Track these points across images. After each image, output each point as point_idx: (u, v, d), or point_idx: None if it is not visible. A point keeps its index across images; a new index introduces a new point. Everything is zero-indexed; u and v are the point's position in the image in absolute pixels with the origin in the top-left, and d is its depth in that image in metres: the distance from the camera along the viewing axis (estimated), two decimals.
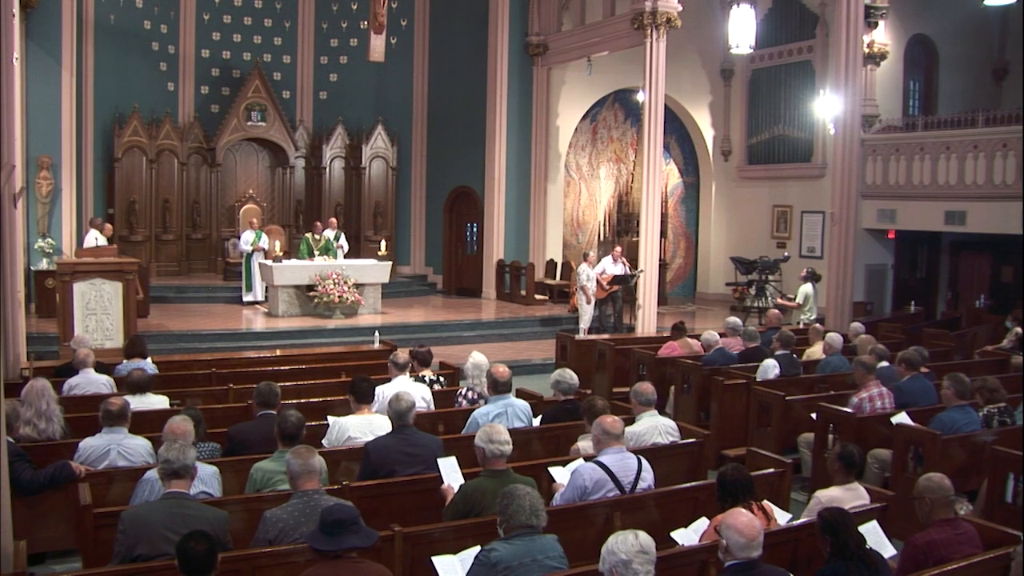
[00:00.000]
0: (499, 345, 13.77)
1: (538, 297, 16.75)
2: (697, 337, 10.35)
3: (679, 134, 19.40)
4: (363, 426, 6.05)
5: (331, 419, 6.23)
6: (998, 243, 15.25)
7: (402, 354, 7.44)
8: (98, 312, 10.92)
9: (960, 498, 5.94)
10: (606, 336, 12.64)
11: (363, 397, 6.15)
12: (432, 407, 7.32)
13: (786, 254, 16.92)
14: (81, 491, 5.01)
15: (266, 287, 15.07)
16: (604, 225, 19.15)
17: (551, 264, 17.68)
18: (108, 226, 14.79)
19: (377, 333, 11.55)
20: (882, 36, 16.08)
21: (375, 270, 15.11)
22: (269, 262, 14.58)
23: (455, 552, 4.36)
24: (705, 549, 4.41)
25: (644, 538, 3.54)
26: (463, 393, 7.44)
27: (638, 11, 14.12)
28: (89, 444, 5.60)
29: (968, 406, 6.88)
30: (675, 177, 19.60)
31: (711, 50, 18.66)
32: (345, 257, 15.72)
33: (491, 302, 17.14)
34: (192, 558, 3.56)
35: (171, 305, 15.31)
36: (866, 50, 15.26)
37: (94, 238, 13.80)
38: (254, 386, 6.26)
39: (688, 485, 5.60)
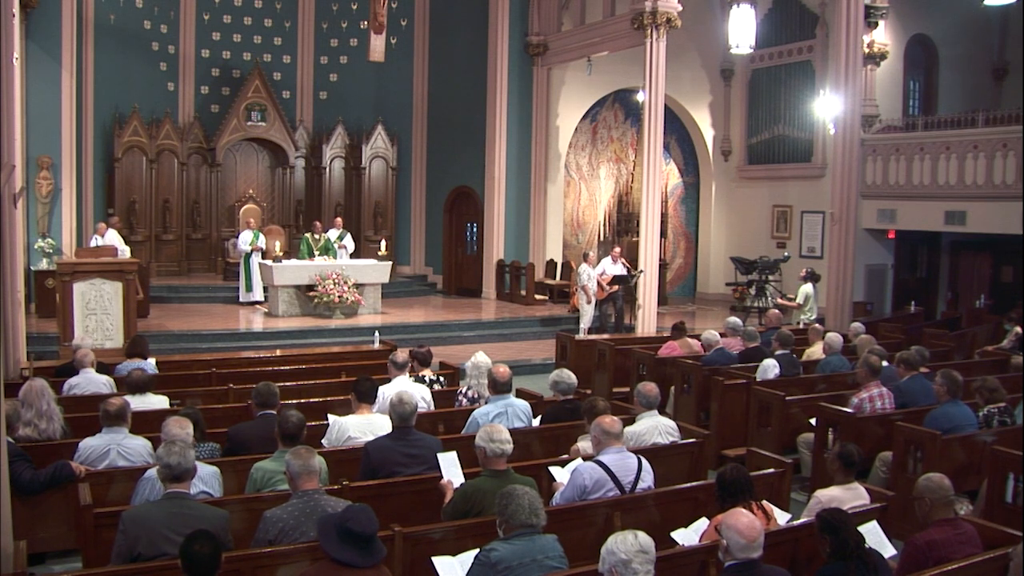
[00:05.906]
0: (499, 345, 13.76)
1: (538, 297, 16.75)
2: (697, 337, 10.34)
3: (679, 134, 19.39)
4: (363, 426, 6.04)
5: (331, 419, 6.22)
6: (998, 243, 15.25)
7: (401, 354, 7.43)
8: (98, 312, 10.93)
9: (960, 498, 5.95)
10: (606, 336, 12.63)
11: (364, 397, 6.14)
12: (432, 407, 7.32)
13: (786, 254, 16.91)
14: (81, 491, 5.01)
15: (265, 287, 15.07)
16: (604, 225, 19.15)
17: (551, 264, 17.68)
18: (115, 219, 14.90)
19: (377, 333, 11.55)
20: (882, 36, 16.06)
21: (375, 270, 15.10)
22: (269, 262, 14.57)
23: (455, 552, 4.35)
24: (705, 549, 4.41)
25: (644, 538, 3.55)
26: (463, 392, 7.43)
27: (638, 11, 14.11)
28: (89, 444, 5.60)
29: (960, 400, 6.90)
30: (675, 177, 19.60)
31: (711, 50, 18.65)
32: (350, 257, 15.71)
33: (491, 302, 17.13)
34: (197, 561, 3.54)
35: (171, 305, 15.31)
36: (866, 50, 15.24)
37: (113, 236, 13.94)
38: (254, 386, 6.26)
39: (688, 485, 5.60)
